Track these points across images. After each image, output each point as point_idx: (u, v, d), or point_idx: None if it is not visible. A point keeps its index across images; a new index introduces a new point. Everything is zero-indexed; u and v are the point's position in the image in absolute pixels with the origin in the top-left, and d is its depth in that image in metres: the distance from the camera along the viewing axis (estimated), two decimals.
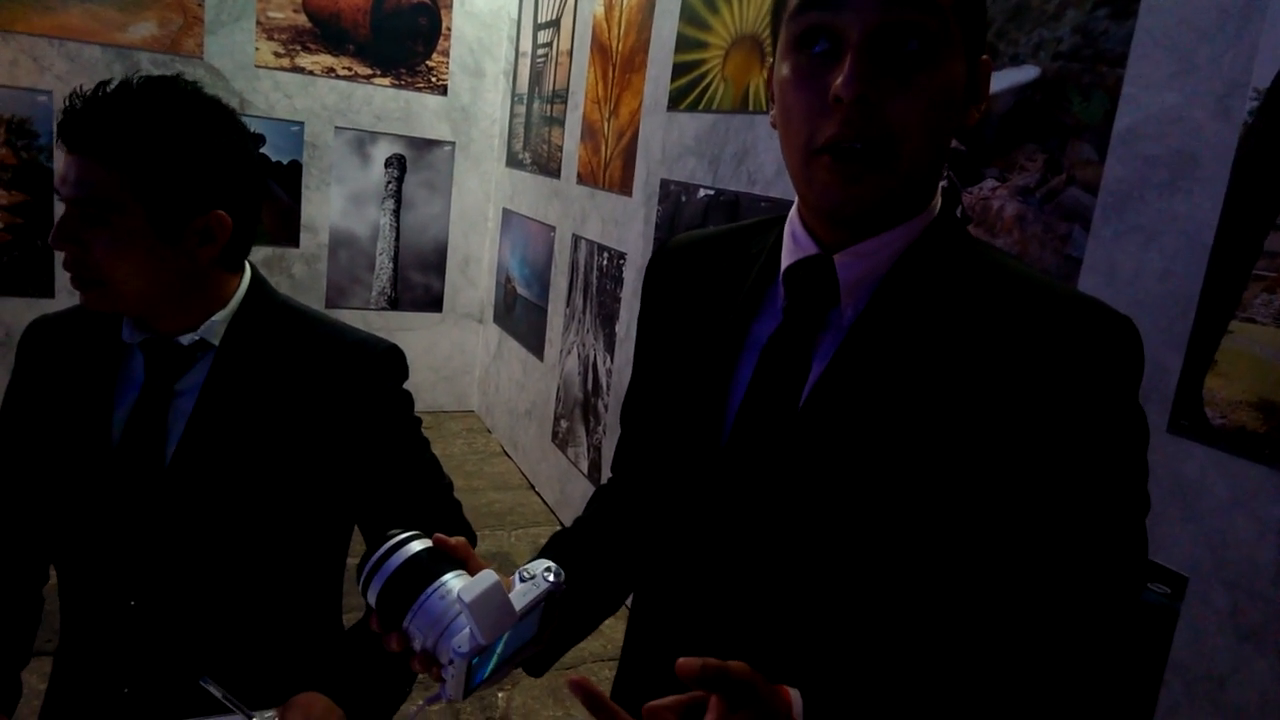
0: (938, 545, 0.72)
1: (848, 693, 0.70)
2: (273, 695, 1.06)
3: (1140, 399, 0.73)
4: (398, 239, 4.92)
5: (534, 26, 4.52)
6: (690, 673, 0.61)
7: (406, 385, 1.21)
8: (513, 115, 4.82)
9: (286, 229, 4.65)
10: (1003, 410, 0.70)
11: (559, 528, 3.52)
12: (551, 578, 0.75)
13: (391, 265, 4.94)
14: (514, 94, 4.80)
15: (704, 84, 2.88)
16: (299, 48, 4.50)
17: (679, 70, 3.04)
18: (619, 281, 3.44)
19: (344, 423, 1.13)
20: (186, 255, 1.06)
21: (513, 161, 4.79)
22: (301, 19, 4.48)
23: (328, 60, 4.57)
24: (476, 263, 5.19)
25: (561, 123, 4.09)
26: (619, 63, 3.51)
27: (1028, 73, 1.67)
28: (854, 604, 0.75)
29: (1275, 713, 1.27)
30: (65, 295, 1.03)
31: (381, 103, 4.72)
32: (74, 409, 1.10)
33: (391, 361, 1.18)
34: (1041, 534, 0.70)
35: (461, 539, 0.76)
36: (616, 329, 3.44)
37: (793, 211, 0.82)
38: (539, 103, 4.41)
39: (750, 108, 2.63)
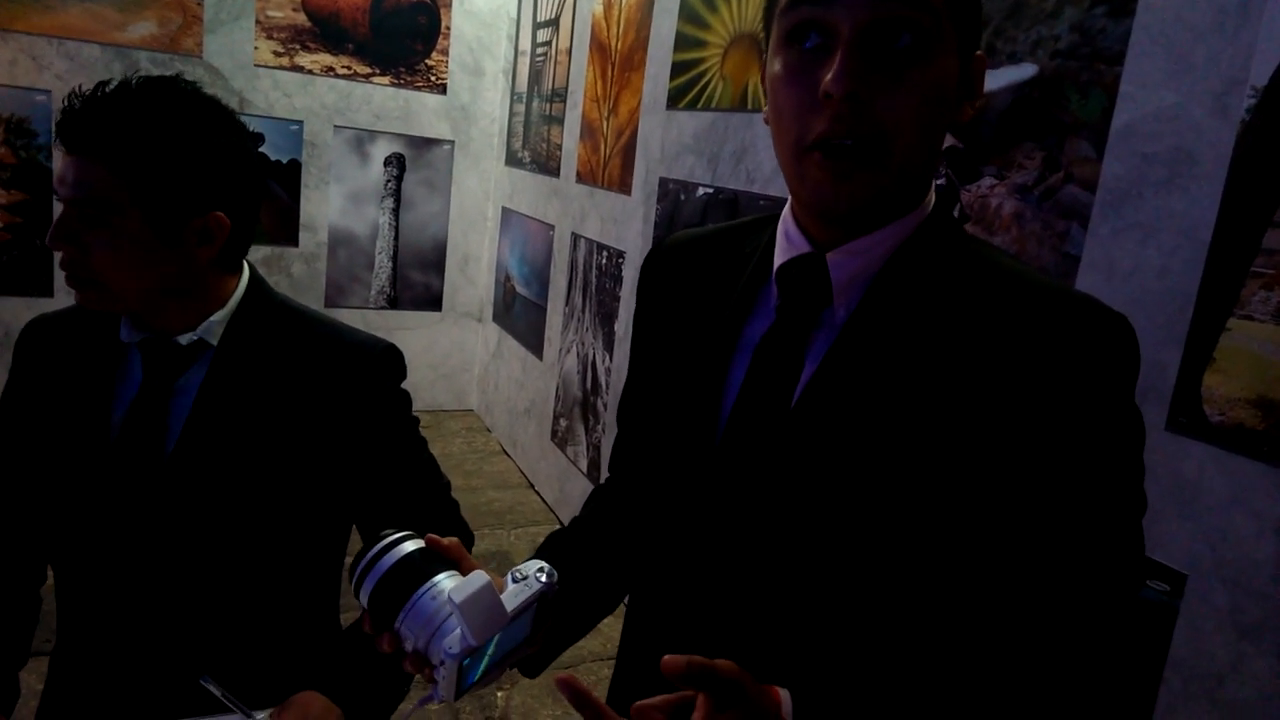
0: (931, 544, 0.72)
1: (838, 692, 0.70)
2: (271, 694, 1.06)
3: (1138, 397, 0.72)
4: (397, 238, 4.92)
5: (533, 25, 4.52)
6: (676, 671, 0.61)
7: (405, 384, 1.21)
8: (512, 114, 4.81)
9: (285, 228, 4.65)
10: (997, 409, 0.69)
11: (558, 526, 3.53)
12: (544, 578, 0.75)
13: (391, 264, 4.94)
14: (513, 93, 4.80)
15: (703, 82, 2.88)
16: (298, 47, 4.49)
17: (678, 69, 3.04)
18: (618, 280, 3.44)
19: (342, 422, 1.13)
20: (184, 256, 1.06)
21: (512, 160, 4.79)
22: (301, 18, 4.47)
23: (327, 59, 4.57)
24: (476, 261, 5.19)
25: (561, 121, 4.08)
26: (618, 61, 3.51)
27: (1025, 70, 1.67)
28: (847, 603, 0.75)
29: (1274, 710, 1.27)
30: (64, 294, 1.03)
31: (381, 102, 4.72)
32: (72, 408, 1.10)
33: (389, 361, 1.18)
34: (1036, 533, 0.70)
35: (454, 539, 0.76)
36: (615, 328, 3.44)
37: (786, 210, 0.82)
38: (538, 101, 4.41)
39: (749, 106, 2.63)
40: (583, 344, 3.75)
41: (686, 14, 2.98)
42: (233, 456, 1.08)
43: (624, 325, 3.39)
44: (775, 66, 0.73)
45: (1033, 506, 0.69)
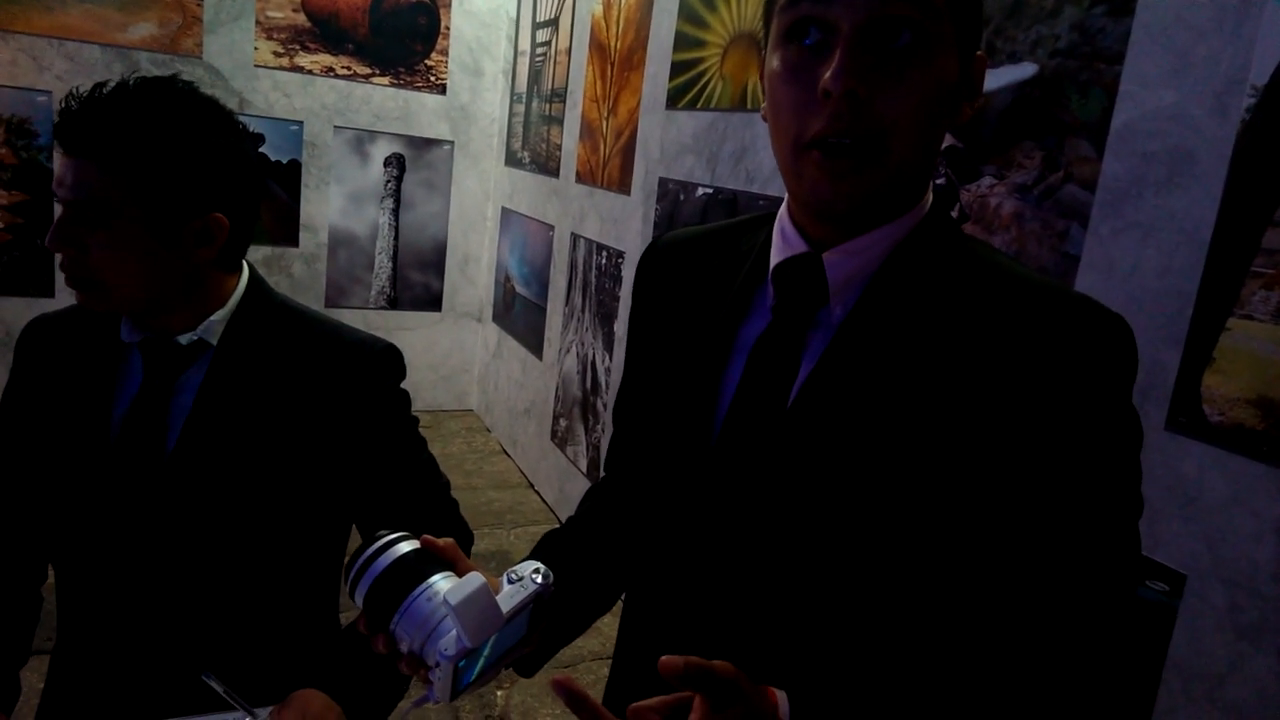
0: (928, 545, 0.72)
1: (835, 693, 0.70)
2: (271, 692, 1.06)
3: (1138, 396, 0.72)
4: (397, 238, 4.92)
5: (533, 25, 4.52)
6: (673, 671, 0.61)
7: (405, 384, 1.21)
8: (511, 114, 4.81)
9: (286, 228, 4.65)
10: (994, 410, 0.69)
11: (558, 526, 3.52)
12: (539, 579, 0.75)
13: (391, 264, 4.94)
14: (513, 93, 4.80)
15: (702, 82, 2.88)
16: (298, 47, 4.49)
17: (677, 69, 3.04)
18: (618, 280, 3.44)
19: (341, 422, 1.13)
20: (184, 257, 1.06)
21: (511, 160, 4.79)
22: (300, 18, 4.47)
23: (327, 59, 4.57)
24: (475, 262, 5.19)
25: (560, 121, 4.09)
26: (617, 61, 3.51)
27: (1025, 70, 1.67)
28: (844, 604, 0.75)
29: (1274, 710, 1.27)
30: (65, 294, 1.03)
31: (380, 102, 4.72)
32: (73, 407, 1.10)
33: (388, 361, 1.18)
34: (1033, 534, 0.69)
35: (450, 540, 0.76)
36: (615, 327, 3.44)
37: (782, 209, 0.82)
38: (538, 102, 4.41)
39: (749, 106, 2.63)
40: (582, 344, 3.75)
41: (686, 14, 2.98)
42: (232, 456, 1.09)
43: (624, 325, 3.39)
44: (774, 64, 0.73)
45: (1029, 507, 0.69)
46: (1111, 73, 1.51)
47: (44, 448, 1.11)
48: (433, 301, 5.11)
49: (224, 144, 1.06)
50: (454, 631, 0.68)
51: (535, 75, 4.45)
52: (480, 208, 5.13)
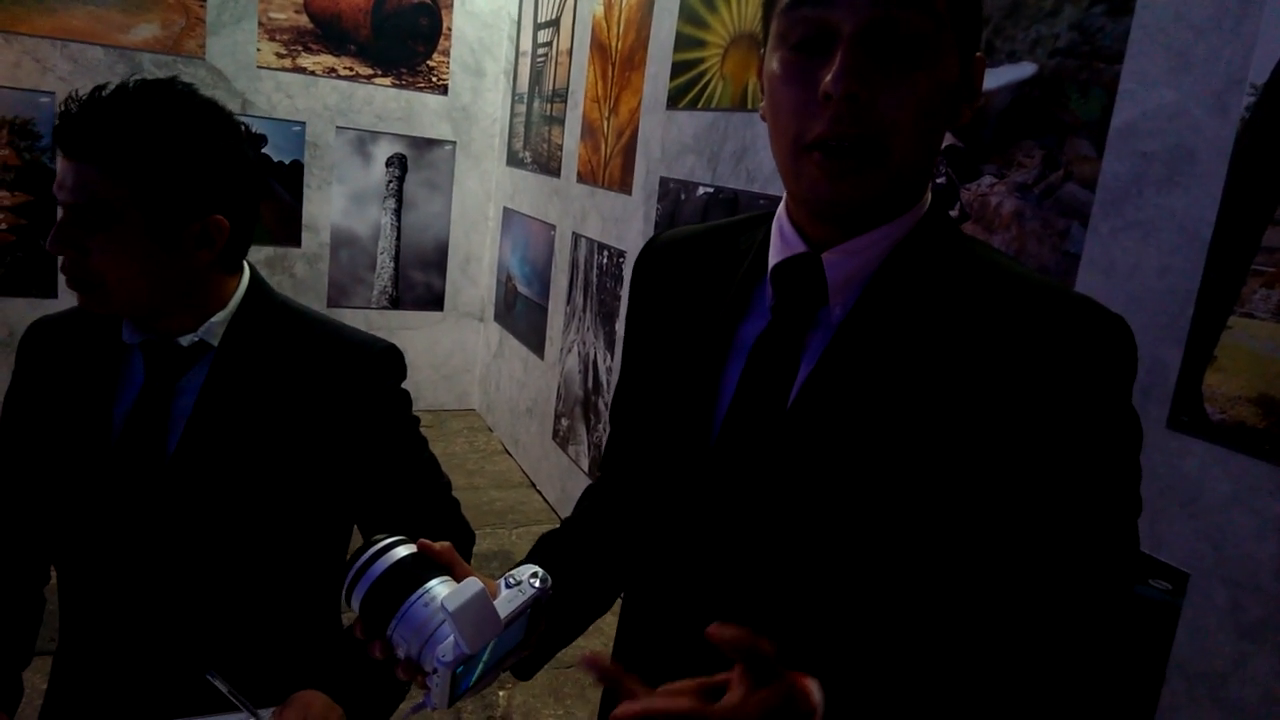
0: (929, 544, 0.71)
1: (867, 687, 0.69)
2: (272, 693, 1.06)
3: (1139, 395, 0.72)
4: (399, 238, 4.93)
5: (534, 26, 4.52)
6: (722, 640, 0.59)
7: (407, 384, 1.21)
8: (513, 114, 4.82)
9: (288, 229, 4.65)
10: (994, 410, 0.69)
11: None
12: (537, 583, 0.74)
13: (393, 264, 4.94)
14: (514, 93, 4.80)
15: (703, 82, 2.88)
16: (300, 48, 4.50)
17: (678, 69, 3.04)
18: (619, 280, 3.44)
19: (342, 422, 1.13)
20: (184, 258, 1.06)
21: (513, 160, 4.79)
22: (303, 20, 4.48)
23: (329, 60, 4.57)
24: (477, 261, 5.19)
25: (561, 121, 4.09)
26: (618, 61, 3.51)
27: (1025, 69, 1.67)
28: (845, 604, 0.75)
29: (1277, 710, 1.27)
30: (68, 295, 1.04)
31: (382, 102, 4.72)
32: (74, 408, 1.11)
33: (389, 361, 1.18)
34: (1032, 533, 0.69)
35: (447, 544, 0.76)
36: (617, 327, 3.44)
37: (781, 208, 0.81)
38: (539, 102, 4.41)
39: (749, 106, 2.63)
40: (584, 343, 3.76)
41: (686, 14, 2.98)
42: (234, 457, 1.09)
43: (625, 325, 3.39)
44: (773, 65, 0.73)
45: (1029, 506, 0.69)
46: (1111, 72, 1.51)
47: (46, 449, 1.11)
48: (435, 301, 5.12)
49: (224, 146, 1.07)
50: (452, 637, 0.68)
51: (536, 75, 4.46)
52: (482, 208, 5.13)
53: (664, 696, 0.63)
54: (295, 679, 1.08)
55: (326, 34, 4.55)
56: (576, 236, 3.88)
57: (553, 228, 4.16)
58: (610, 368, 3.49)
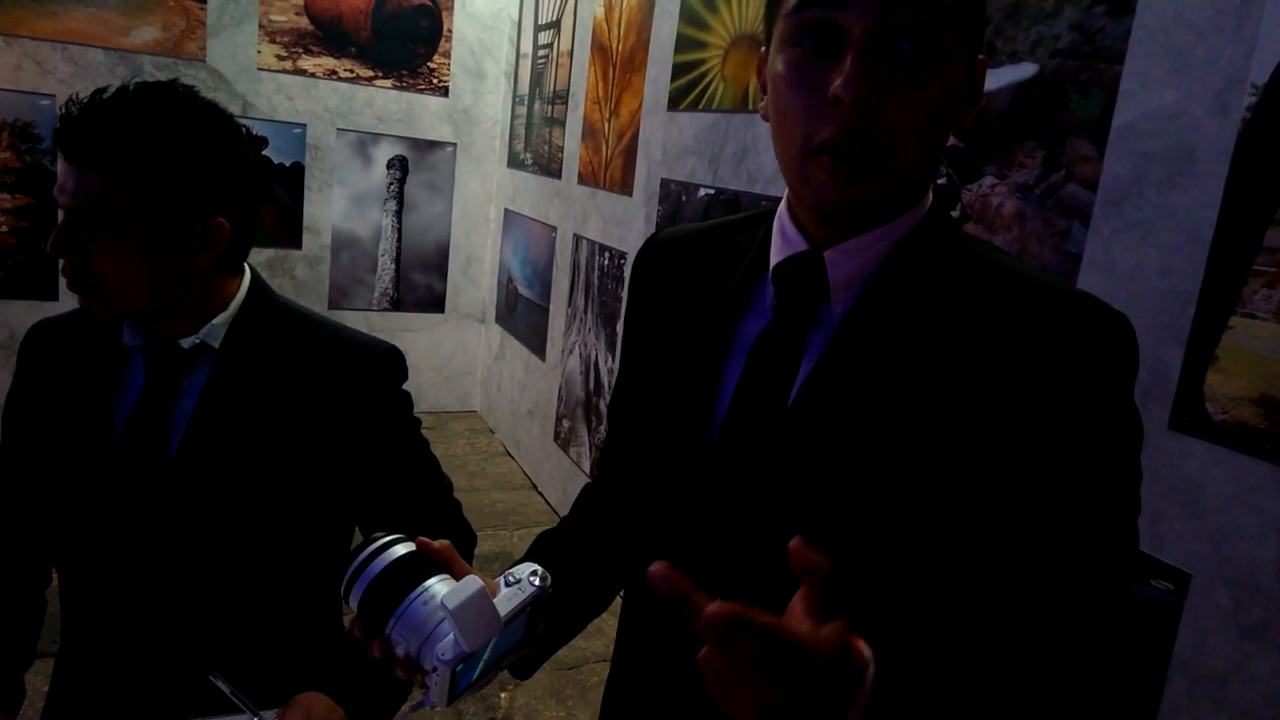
0: (929, 543, 0.71)
1: (916, 671, 0.67)
2: (274, 695, 1.06)
3: (1140, 395, 0.72)
4: (400, 240, 4.93)
5: (534, 28, 4.52)
6: (804, 561, 0.56)
7: (408, 386, 1.21)
8: (514, 116, 4.82)
9: (289, 231, 4.66)
10: (996, 407, 0.69)
11: None
12: (537, 581, 0.74)
13: (394, 266, 4.94)
14: (515, 95, 4.80)
15: (704, 84, 2.88)
16: (301, 50, 4.50)
17: (679, 70, 3.04)
18: (620, 281, 3.44)
19: (344, 424, 1.13)
20: (185, 261, 1.06)
21: (514, 162, 4.79)
22: (303, 22, 4.48)
23: (329, 63, 4.58)
24: (478, 263, 5.19)
25: (562, 123, 4.09)
26: (619, 63, 3.51)
27: (1026, 70, 1.67)
28: (845, 604, 0.74)
29: (1278, 710, 1.27)
30: (68, 298, 1.04)
31: (383, 104, 4.73)
32: (75, 411, 1.11)
33: (391, 363, 1.18)
34: (1033, 531, 0.69)
35: (446, 542, 0.75)
36: (618, 329, 3.44)
37: (782, 207, 0.81)
38: (540, 103, 4.41)
39: (750, 107, 2.63)
40: (585, 345, 3.76)
41: (687, 16, 2.98)
42: (235, 459, 1.09)
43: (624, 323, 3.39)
44: (777, 65, 0.73)
45: (1030, 504, 0.69)
46: (1112, 72, 1.51)
47: (47, 451, 1.11)
48: (436, 303, 5.12)
49: (224, 148, 1.07)
50: (451, 636, 0.67)
51: (537, 77, 4.46)
52: (483, 209, 5.14)
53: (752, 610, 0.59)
54: (297, 680, 1.08)
55: (327, 36, 4.55)
56: (578, 238, 3.88)
57: (554, 229, 4.16)
58: (612, 369, 3.49)
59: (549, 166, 4.25)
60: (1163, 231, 1.43)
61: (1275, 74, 1.28)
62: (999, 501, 0.69)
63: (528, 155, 4.57)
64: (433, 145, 4.90)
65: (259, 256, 4.48)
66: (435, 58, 4.81)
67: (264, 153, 4.47)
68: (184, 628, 1.11)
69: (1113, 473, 0.70)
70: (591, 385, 3.68)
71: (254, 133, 1.13)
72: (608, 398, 3.52)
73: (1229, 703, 1.33)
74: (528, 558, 0.89)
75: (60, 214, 1.03)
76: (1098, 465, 0.69)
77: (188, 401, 1.10)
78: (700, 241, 0.90)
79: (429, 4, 4.73)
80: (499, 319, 5.00)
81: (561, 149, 4.09)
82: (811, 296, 0.77)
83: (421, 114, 4.83)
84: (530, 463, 4.44)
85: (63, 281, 4.07)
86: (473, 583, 0.68)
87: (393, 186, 4.85)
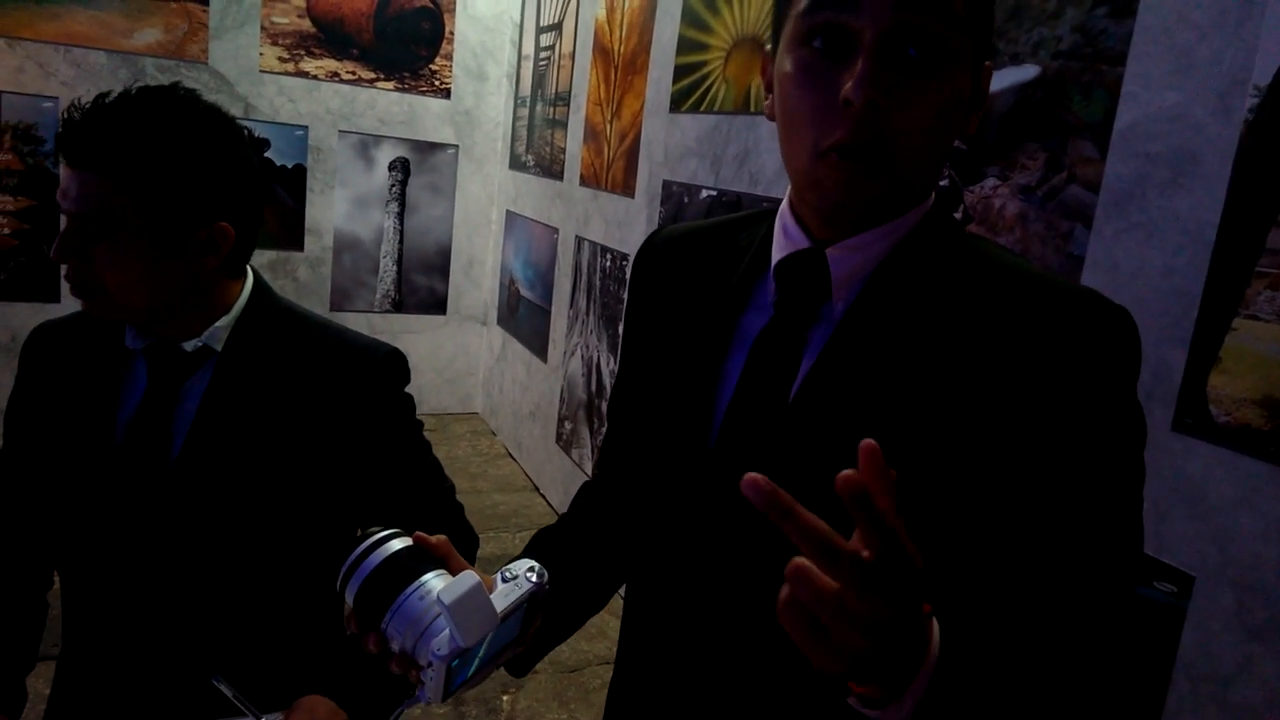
0: (932, 540, 0.71)
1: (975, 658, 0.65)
2: (277, 698, 1.06)
3: (1143, 397, 0.72)
4: (401, 242, 4.93)
5: (536, 30, 4.53)
6: (852, 484, 0.53)
7: (410, 388, 1.21)
8: (515, 118, 4.82)
9: (291, 232, 4.66)
10: (998, 402, 0.69)
11: None
12: (534, 578, 0.74)
13: (395, 268, 4.95)
14: (517, 97, 4.81)
15: (706, 85, 2.88)
16: (303, 52, 4.51)
17: (680, 72, 3.04)
18: (622, 283, 3.44)
19: (346, 427, 1.13)
20: (189, 265, 1.06)
21: (516, 164, 4.80)
22: (305, 24, 4.49)
23: (331, 65, 4.58)
24: (480, 265, 5.19)
25: (564, 125, 4.09)
26: (621, 65, 3.51)
27: (1028, 71, 1.66)
28: None
29: None
30: (70, 300, 1.04)
31: (385, 106, 4.73)
32: (78, 414, 1.11)
33: (393, 365, 1.18)
34: (1036, 527, 0.69)
35: (442, 537, 0.75)
36: (620, 330, 3.44)
37: (784, 205, 0.81)
38: (542, 105, 4.41)
39: (752, 109, 2.63)
40: (587, 347, 3.76)
41: (689, 18, 2.98)
42: (237, 462, 1.09)
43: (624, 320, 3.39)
44: (786, 65, 0.73)
45: (1033, 499, 0.69)
46: (1114, 74, 1.51)
47: (49, 454, 1.11)
48: (437, 305, 5.12)
49: (227, 152, 1.06)
50: (447, 631, 0.67)
51: (539, 79, 4.46)
52: (484, 211, 5.14)
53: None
54: (300, 684, 1.07)
55: (329, 38, 4.56)
56: (579, 240, 3.88)
57: (556, 231, 4.17)
58: (613, 371, 3.49)
59: (551, 168, 4.25)
60: (1165, 233, 1.43)
61: (1278, 75, 1.28)
62: (1001, 497, 0.69)
63: (529, 157, 4.57)
64: (434, 147, 4.90)
65: (261, 258, 4.49)
66: (437, 60, 4.81)
67: (266, 155, 4.47)
68: (186, 631, 1.11)
69: (1116, 467, 0.69)
70: (593, 387, 3.68)
71: (256, 135, 1.13)
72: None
73: (1233, 705, 1.32)
74: (526, 554, 0.89)
75: (63, 219, 1.02)
76: (1100, 460, 0.69)
77: (190, 405, 1.10)
78: (701, 239, 0.91)
79: (431, 6, 4.74)
80: (501, 321, 5.00)
81: (563, 151, 4.10)
82: (813, 293, 0.77)
83: (423, 116, 4.83)
84: (532, 465, 4.44)
85: (64, 284, 4.09)
86: (469, 578, 0.68)
87: (394, 188, 4.85)
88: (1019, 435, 0.69)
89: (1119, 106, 1.50)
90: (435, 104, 4.85)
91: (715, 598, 0.80)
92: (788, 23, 0.73)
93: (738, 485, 0.76)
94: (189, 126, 1.03)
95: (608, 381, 3.55)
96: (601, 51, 3.70)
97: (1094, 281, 1.53)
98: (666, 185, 3.12)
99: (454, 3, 4.79)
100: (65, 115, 1.01)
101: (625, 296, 3.36)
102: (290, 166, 4.59)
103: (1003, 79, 1.70)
